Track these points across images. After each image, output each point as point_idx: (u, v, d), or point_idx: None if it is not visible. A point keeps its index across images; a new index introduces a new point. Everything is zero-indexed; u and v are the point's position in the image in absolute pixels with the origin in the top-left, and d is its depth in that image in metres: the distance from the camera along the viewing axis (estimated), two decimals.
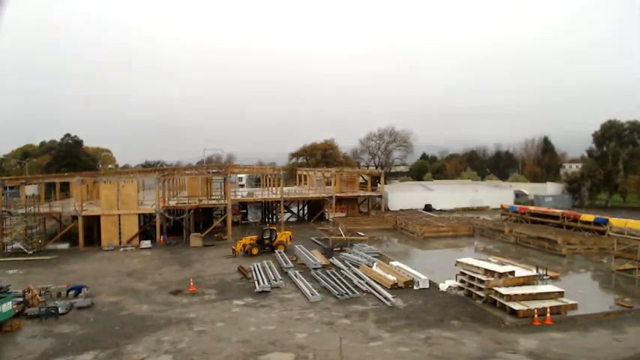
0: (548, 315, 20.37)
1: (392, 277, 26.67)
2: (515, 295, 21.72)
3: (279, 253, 34.94)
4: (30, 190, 53.84)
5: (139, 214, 43.99)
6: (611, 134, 69.53)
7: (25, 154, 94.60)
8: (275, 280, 27.57)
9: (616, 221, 35.14)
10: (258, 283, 26.81)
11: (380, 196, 61.41)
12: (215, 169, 52.94)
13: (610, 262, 30.53)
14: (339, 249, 37.48)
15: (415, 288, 25.85)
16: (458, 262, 25.37)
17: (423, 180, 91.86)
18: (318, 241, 41.55)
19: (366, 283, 26.72)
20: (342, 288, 25.57)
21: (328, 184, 60.73)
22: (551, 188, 72.88)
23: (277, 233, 38.12)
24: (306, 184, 70.44)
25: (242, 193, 60.28)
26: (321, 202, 58.35)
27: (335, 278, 27.77)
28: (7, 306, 20.43)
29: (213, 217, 52.71)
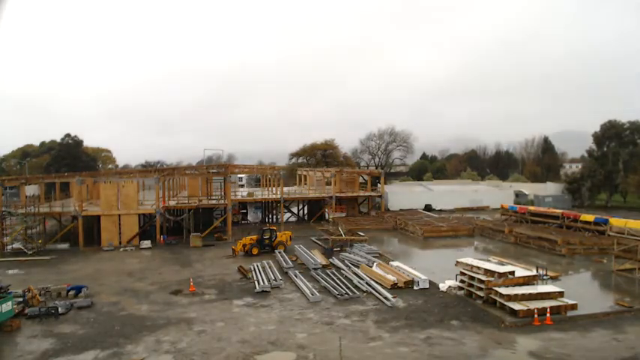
0: (548, 315, 20.36)
1: (392, 277, 26.67)
2: (515, 295, 21.71)
3: (279, 253, 34.93)
4: (30, 190, 53.83)
5: (139, 214, 43.97)
6: (611, 134, 69.54)
7: (25, 154, 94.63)
8: (275, 280, 27.56)
9: (616, 221, 35.08)
10: (258, 283, 26.81)
11: (380, 196, 61.41)
12: (215, 169, 52.95)
13: (610, 262, 30.54)
14: (339, 249, 37.46)
15: (415, 288, 25.84)
16: (458, 262, 25.36)
17: (423, 180, 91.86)
18: (318, 241, 41.55)
19: (366, 283, 26.70)
20: (342, 288, 25.57)
21: (328, 184, 60.73)
22: (551, 188, 72.88)
23: (277, 233, 38.10)
24: (306, 184, 70.44)
25: (242, 193, 60.31)
26: (321, 202, 58.35)
27: (335, 278, 27.77)
28: (7, 306, 20.43)
29: (213, 217, 52.68)
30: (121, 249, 40.24)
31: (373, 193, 62.37)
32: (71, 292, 25.65)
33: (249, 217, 61.27)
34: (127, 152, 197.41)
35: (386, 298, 23.88)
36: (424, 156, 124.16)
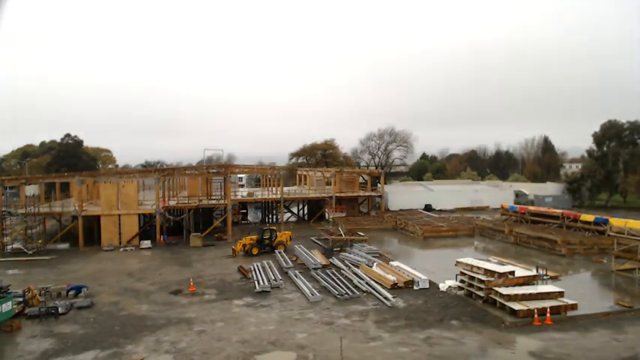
0: (548, 315, 20.37)
1: (392, 277, 26.68)
2: (516, 295, 21.72)
3: (279, 253, 34.94)
4: (30, 190, 53.79)
5: (139, 214, 44.00)
6: (611, 134, 69.48)
7: (25, 154, 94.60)
8: (275, 280, 27.57)
9: (616, 221, 35.03)
10: (258, 283, 26.81)
11: (380, 196, 61.40)
12: (215, 169, 52.97)
13: (610, 262, 30.55)
14: (339, 249, 37.47)
15: (415, 288, 25.85)
16: (458, 262, 25.36)
17: (423, 180, 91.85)
18: (318, 241, 41.54)
19: (366, 283, 26.71)
20: (342, 288, 25.57)
21: (328, 184, 60.73)
22: (551, 188, 72.85)
23: (277, 233, 38.11)
24: (306, 184, 70.45)
25: (242, 193, 60.34)
26: (321, 202, 58.35)
27: (335, 278, 27.77)
28: (7, 306, 20.44)
29: (213, 217, 52.73)
30: (121, 249, 40.24)
31: (373, 193, 62.37)
32: (71, 292, 25.67)
33: (249, 217, 61.28)
34: (127, 152, 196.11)
35: (386, 298, 23.88)
36: (424, 156, 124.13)
